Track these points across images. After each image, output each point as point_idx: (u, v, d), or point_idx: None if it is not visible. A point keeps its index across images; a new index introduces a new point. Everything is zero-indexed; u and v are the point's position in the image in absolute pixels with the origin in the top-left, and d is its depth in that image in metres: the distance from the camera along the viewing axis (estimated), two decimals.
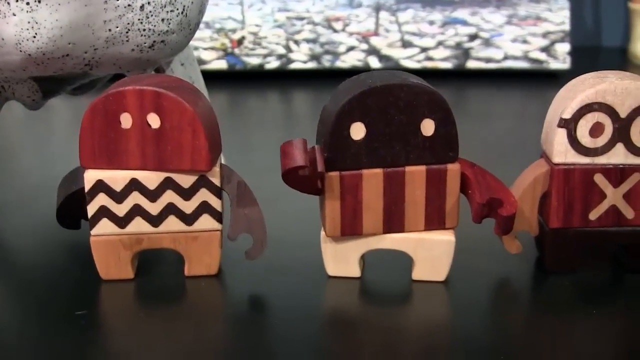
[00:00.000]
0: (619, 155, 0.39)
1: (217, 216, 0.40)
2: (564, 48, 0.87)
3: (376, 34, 0.86)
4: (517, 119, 0.86)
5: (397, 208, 0.39)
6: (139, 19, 0.44)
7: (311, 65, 0.84)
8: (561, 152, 0.39)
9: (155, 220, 0.40)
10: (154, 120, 0.38)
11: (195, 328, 0.37)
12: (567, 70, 0.88)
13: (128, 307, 0.39)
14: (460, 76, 0.88)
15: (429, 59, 0.86)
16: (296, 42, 0.85)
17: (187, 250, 0.40)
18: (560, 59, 0.86)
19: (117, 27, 0.43)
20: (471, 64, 0.85)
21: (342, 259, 0.40)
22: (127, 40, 0.45)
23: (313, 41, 0.86)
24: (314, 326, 0.37)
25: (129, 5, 0.43)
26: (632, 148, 0.39)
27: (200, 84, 0.56)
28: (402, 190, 0.38)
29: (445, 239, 0.39)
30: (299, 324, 0.37)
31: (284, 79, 0.87)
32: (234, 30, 0.85)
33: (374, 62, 0.84)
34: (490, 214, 0.38)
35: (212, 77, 0.90)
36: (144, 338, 0.36)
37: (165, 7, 0.45)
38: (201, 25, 0.85)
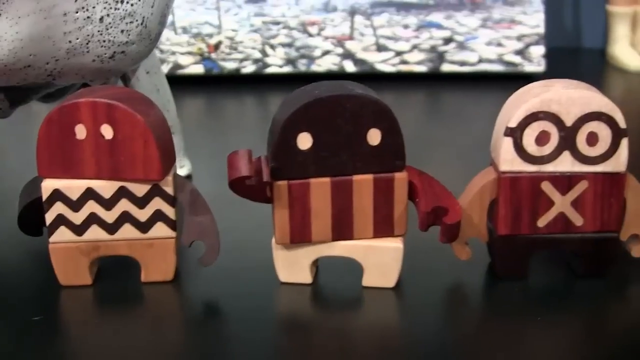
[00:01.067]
0: (565, 164, 0.39)
1: (171, 224, 0.41)
2: (538, 51, 0.87)
3: (351, 38, 0.86)
4: (491, 122, 0.86)
5: (345, 216, 0.39)
6: (98, 31, 0.45)
7: (287, 69, 0.85)
8: (508, 160, 0.39)
9: (111, 228, 0.40)
10: (107, 131, 0.39)
11: (151, 332, 0.38)
12: (542, 73, 0.89)
13: (85, 312, 0.40)
14: (435, 79, 0.88)
15: (404, 62, 0.86)
16: (272, 47, 0.86)
17: (143, 257, 0.41)
18: (535, 62, 0.86)
19: (77, 39, 0.44)
20: (446, 67, 0.86)
21: (293, 266, 0.41)
22: (88, 51, 0.45)
23: (289, 45, 0.86)
24: (267, 330, 0.38)
25: (88, 17, 0.44)
26: (578, 156, 0.39)
27: (165, 91, 0.57)
28: (350, 198, 0.39)
29: (393, 246, 0.40)
30: (253, 329, 0.38)
31: (260, 83, 0.87)
32: (210, 35, 0.86)
33: (349, 66, 0.85)
34: (436, 221, 0.39)
35: (189, 82, 0.91)
36: (100, 342, 0.37)
37: (124, 18, 0.46)
38: (178, 30, 0.87)
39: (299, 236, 0.39)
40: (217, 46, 0.85)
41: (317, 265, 0.43)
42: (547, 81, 0.41)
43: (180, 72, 0.85)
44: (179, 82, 0.90)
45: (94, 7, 0.44)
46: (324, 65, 0.85)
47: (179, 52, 0.85)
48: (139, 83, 0.54)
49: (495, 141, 0.41)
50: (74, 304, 0.40)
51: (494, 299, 0.41)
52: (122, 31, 0.46)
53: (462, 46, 0.87)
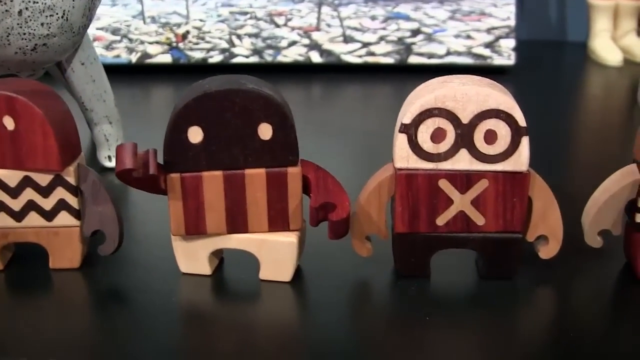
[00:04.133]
0: (463, 161, 0.39)
1: (75, 213, 0.42)
2: (508, 44, 0.85)
3: (318, 29, 0.85)
4: None
5: (239, 209, 0.39)
6: (18, 24, 0.46)
7: (253, 59, 0.85)
8: (403, 157, 0.39)
9: (17, 216, 0.42)
10: (9, 123, 0.40)
11: (57, 318, 0.39)
12: (512, 66, 0.87)
13: None
14: (402, 72, 0.87)
15: (371, 54, 0.85)
16: (239, 37, 0.86)
17: (50, 244, 0.42)
18: (505, 55, 0.85)
19: None
20: (413, 60, 0.85)
21: (192, 257, 0.41)
22: (9, 44, 0.46)
23: (255, 36, 0.86)
24: (168, 320, 0.38)
25: (6, 10, 0.45)
26: (476, 154, 0.38)
27: (101, 82, 0.57)
28: (243, 192, 0.39)
29: (287, 240, 0.40)
30: (155, 318, 0.38)
31: (227, 72, 0.86)
32: (178, 25, 0.86)
33: (316, 57, 0.84)
34: (326, 217, 0.38)
35: (157, 71, 0.92)
36: (8, 328, 0.38)
37: (43, 12, 0.46)
38: (147, 20, 0.87)
39: (194, 228, 0.40)
40: (184, 36, 0.85)
41: (221, 257, 0.44)
42: (447, 77, 0.40)
43: (149, 61, 0.85)
44: (147, 71, 0.91)
45: (12, 1, 0.45)
46: (290, 56, 0.85)
47: (147, 41, 0.86)
48: (74, 74, 0.55)
49: (394, 137, 0.41)
50: None
51: (395, 297, 0.41)
52: (42, 24, 0.47)
53: (430, 38, 0.86)
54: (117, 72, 0.92)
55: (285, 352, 0.35)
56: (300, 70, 0.89)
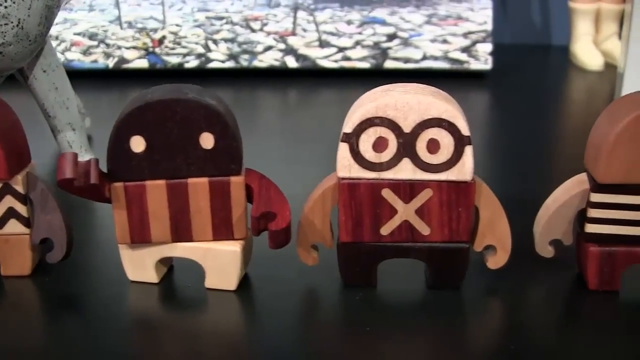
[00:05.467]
0: (406, 171, 0.38)
1: (24, 221, 0.42)
2: (485, 48, 0.85)
3: (294, 33, 0.85)
4: None
5: (183, 218, 0.39)
6: None
7: (229, 64, 0.85)
8: (345, 166, 0.38)
9: None
10: None
11: (7, 324, 0.39)
12: (489, 70, 0.87)
13: None
14: (378, 76, 0.86)
15: (347, 58, 0.85)
16: (215, 42, 0.86)
17: (0, 252, 0.42)
18: (482, 60, 0.85)
19: None
20: (389, 64, 0.85)
21: (139, 265, 0.41)
22: None
23: (231, 41, 0.86)
24: (117, 327, 0.38)
25: None
26: (419, 163, 0.38)
27: (64, 89, 0.57)
28: (187, 201, 0.39)
29: (231, 249, 0.40)
30: (104, 325, 0.38)
31: (203, 78, 0.87)
32: (155, 30, 0.87)
33: (291, 62, 0.84)
34: (267, 227, 0.39)
35: (134, 76, 0.92)
36: None
37: None
38: (124, 25, 0.88)
39: (139, 236, 0.40)
40: (161, 41, 0.86)
41: (170, 265, 0.44)
42: (391, 85, 0.40)
43: (125, 66, 0.86)
44: (123, 76, 0.92)
45: None
46: (266, 60, 0.85)
47: (124, 46, 0.86)
48: (36, 81, 0.56)
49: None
50: None
51: (341, 306, 0.40)
52: None
53: (406, 43, 0.86)
54: (94, 77, 0.92)
55: (233, 358, 0.35)
56: (276, 75, 0.89)
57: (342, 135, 0.39)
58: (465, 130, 0.38)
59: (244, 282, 0.42)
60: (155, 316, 0.40)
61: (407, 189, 0.39)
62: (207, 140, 0.38)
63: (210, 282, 0.41)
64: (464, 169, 0.38)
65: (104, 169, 0.40)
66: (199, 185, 0.39)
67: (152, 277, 0.41)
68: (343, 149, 0.39)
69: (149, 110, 0.37)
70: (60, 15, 0.87)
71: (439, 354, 0.36)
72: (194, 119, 0.38)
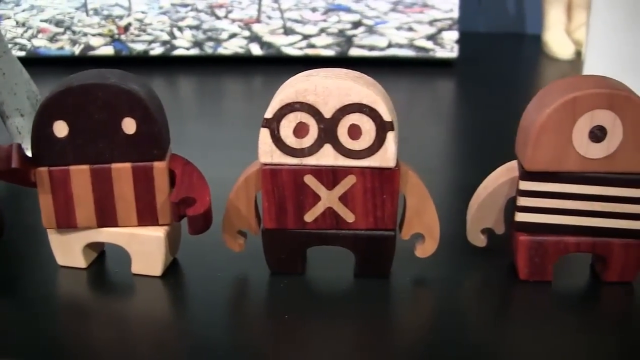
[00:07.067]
0: (328, 157, 0.38)
1: None
2: (451, 36, 0.85)
3: (258, 21, 0.85)
4: (400, 109, 0.82)
5: (108, 203, 0.40)
6: None
7: (194, 51, 0.85)
8: (267, 152, 0.38)
9: None
10: None
11: None
12: (455, 59, 0.86)
13: None
14: (343, 64, 0.85)
15: (311, 46, 0.85)
16: (180, 29, 0.86)
17: None
18: (448, 48, 0.84)
19: None
20: (354, 52, 0.85)
21: (67, 250, 0.41)
22: None
23: (196, 28, 0.86)
24: (46, 312, 0.38)
25: None
26: (341, 149, 0.38)
27: (11, 75, 0.57)
28: (111, 186, 0.39)
29: (155, 235, 0.40)
30: (33, 309, 0.38)
31: (169, 65, 0.88)
32: (120, 17, 0.87)
33: (256, 49, 0.84)
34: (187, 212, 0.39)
35: (100, 63, 0.92)
36: None
37: None
38: (90, 12, 0.87)
39: (65, 221, 0.40)
40: (126, 28, 0.86)
41: (102, 250, 0.44)
42: (314, 70, 0.39)
43: (91, 53, 0.86)
44: (90, 63, 0.91)
45: None
46: (230, 48, 0.85)
47: (90, 33, 0.87)
48: None
49: None
50: None
51: (268, 293, 0.40)
52: None
53: (371, 30, 0.86)
54: (61, 64, 0.91)
55: (159, 344, 0.35)
56: (241, 63, 0.88)
57: (262, 121, 0.39)
58: (387, 115, 0.38)
59: (173, 268, 0.42)
60: (83, 300, 0.40)
61: (329, 176, 0.39)
62: (129, 126, 0.38)
63: (136, 268, 0.41)
64: (387, 155, 0.38)
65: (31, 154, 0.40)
66: (122, 171, 0.39)
67: (80, 262, 0.42)
68: (264, 134, 0.38)
69: (71, 95, 0.38)
70: (27, 2, 0.88)
71: (363, 342, 0.36)
72: (115, 104, 0.38)
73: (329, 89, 0.37)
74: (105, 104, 0.38)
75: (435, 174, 0.57)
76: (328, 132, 0.38)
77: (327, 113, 0.38)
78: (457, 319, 0.38)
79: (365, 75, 0.39)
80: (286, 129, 0.38)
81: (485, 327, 0.37)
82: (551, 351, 0.34)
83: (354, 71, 0.39)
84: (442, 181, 0.55)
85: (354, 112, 0.37)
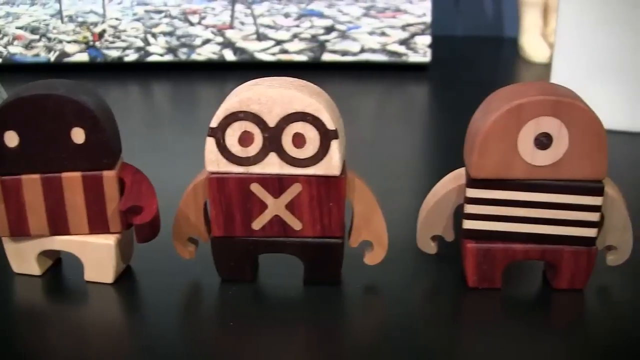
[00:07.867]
0: (273, 165, 0.39)
1: None
2: (424, 40, 0.85)
3: (231, 26, 0.86)
4: (374, 114, 0.83)
5: (59, 212, 0.40)
6: None
7: (168, 57, 0.86)
8: (213, 160, 0.39)
9: None
10: None
11: None
12: (428, 63, 0.87)
13: None
14: (315, 69, 0.87)
15: (284, 51, 0.86)
16: (154, 35, 0.87)
17: None
18: (421, 52, 0.85)
19: None
20: (327, 57, 0.85)
21: (22, 258, 0.42)
22: None
23: (170, 34, 0.87)
24: (1, 320, 0.39)
25: None
26: (286, 158, 0.39)
27: None
28: (62, 195, 0.40)
29: (105, 243, 0.41)
30: None
31: (143, 71, 0.88)
32: (95, 24, 0.87)
33: (229, 55, 0.85)
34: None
35: (75, 70, 0.93)
36: None
37: None
38: (65, 19, 0.88)
39: (18, 229, 0.41)
40: (101, 35, 0.86)
41: (58, 257, 0.45)
42: (260, 79, 0.40)
43: (67, 60, 0.87)
44: (65, 70, 0.92)
45: None
46: (204, 54, 0.86)
47: (65, 40, 0.87)
48: None
49: None
50: None
51: (220, 300, 0.41)
52: None
53: (344, 35, 0.86)
54: (36, 70, 0.92)
55: (111, 350, 0.36)
56: (215, 68, 0.89)
57: (208, 130, 0.39)
58: (330, 124, 0.38)
59: (126, 275, 0.43)
60: (37, 307, 0.40)
61: (275, 184, 0.39)
62: (78, 135, 0.39)
63: (88, 275, 0.42)
64: (332, 163, 0.39)
65: None
66: (72, 180, 0.40)
67: (34, 269, 0.42)
68: (210, 143, 0.39)
69: (21, 106, 0.38)
70: (3, 9, 0.88)
71: (312, 349, 0.36)
72: (64, 114, 0.38)
73: (272, 98, 0.38)
74: (54, 114, 0.39)
75: (401, 179, 0.57)
76: (273, 141, 0.39)
77: (271, 122, 0.38)
78: (407, 325, 0.38)
79: (311, 84, 0.40)
80: (231, 138, 0.39)
81: (434, 334, 0.37)
82: (500, 358, 0.35)
83: (300, 80, 0.40)
84: (407, 186, 0.56)
85: (298, 121, 0.38)
